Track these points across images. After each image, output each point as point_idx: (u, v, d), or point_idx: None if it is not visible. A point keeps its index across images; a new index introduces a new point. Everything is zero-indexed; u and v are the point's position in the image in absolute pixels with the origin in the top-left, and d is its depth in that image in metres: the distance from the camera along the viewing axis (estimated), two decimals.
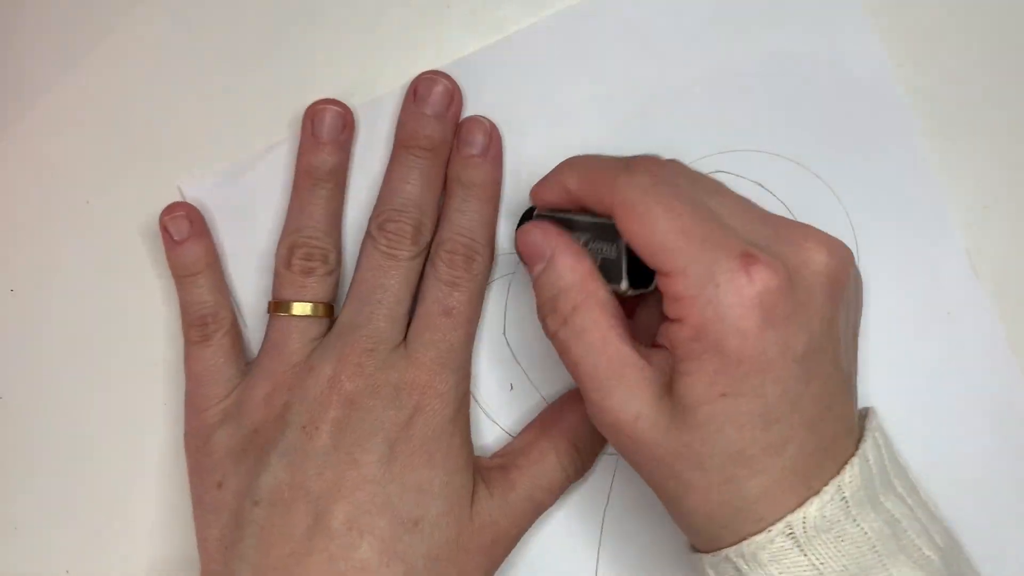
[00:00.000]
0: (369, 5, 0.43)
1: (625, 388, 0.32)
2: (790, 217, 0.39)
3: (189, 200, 0.42)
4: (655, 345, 0.33)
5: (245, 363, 0.41)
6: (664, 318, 0.32)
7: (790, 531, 0.31)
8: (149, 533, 0.44)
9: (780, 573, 0.31)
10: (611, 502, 0.42)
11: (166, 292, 0.43)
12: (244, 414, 0.39)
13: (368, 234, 0.40)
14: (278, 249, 0.40)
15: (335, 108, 0.41)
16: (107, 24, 0.43)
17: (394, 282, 0.39)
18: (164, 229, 0.41)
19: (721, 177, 0.41)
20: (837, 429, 0.33)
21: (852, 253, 0.33)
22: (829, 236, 0.33)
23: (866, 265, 0.40)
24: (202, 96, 0.43)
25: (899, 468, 0.35)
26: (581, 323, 0.33)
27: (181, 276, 0.41)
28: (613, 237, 0.34)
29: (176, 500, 0.43)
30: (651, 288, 0.35)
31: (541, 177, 0.37)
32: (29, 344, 0.44)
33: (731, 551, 0.32)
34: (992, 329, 0.41)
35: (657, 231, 0.31)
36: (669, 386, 0.32)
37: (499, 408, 0.43)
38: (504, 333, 0.43)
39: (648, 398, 0.32)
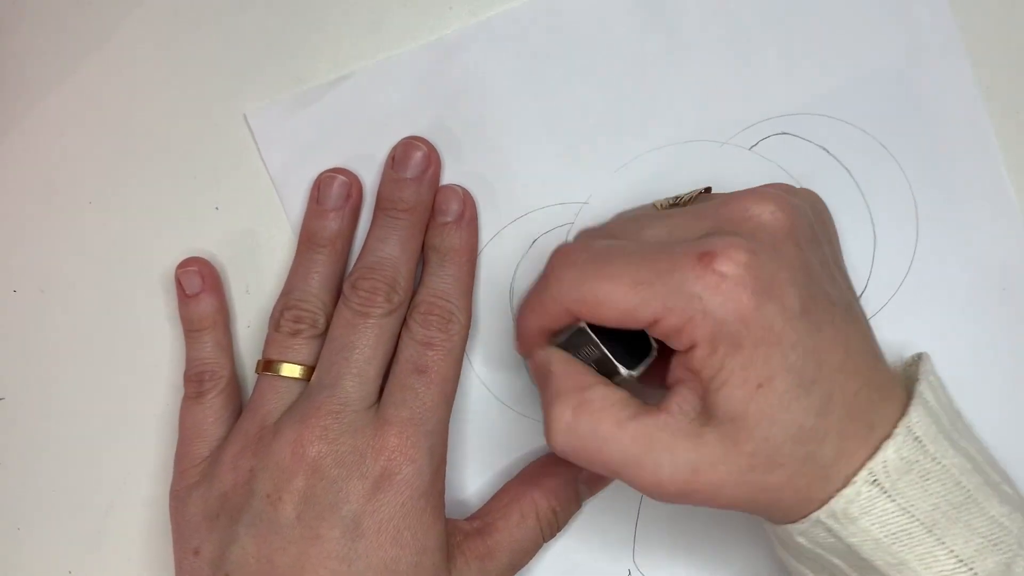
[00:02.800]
0: (372, 6, 0.43)
1: (666, 452, 0.32)
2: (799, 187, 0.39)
3: (253, 127, 0.43)
4: (670, 386, 0.34)
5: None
6: (669, 360, 0.33)
7: (873, 478, 0.31)
8: (151, 534, 0.43)
9: (872, 524, 0.31)
10: None
11: (169, 292, 0.43)
12: (215, 476, 0.39)
13: (342, 294, 0.40)
14: (272, 311, 0.41)
15: (342, 178, 0.41)
16: (109, 24, 0.43)
17: (364, 340, 0.39)
18: (177, 282, 0.42)
19: (787, 139, 0.42)
20: (868, 360, 0.33)
21: (792, 188, 0.35)
22: (763, 189, 0.34)
23: (924, 236, 0.42)
24: (204, 98, 0.43)
25: (957, 411, 0.36)
26: (586, 424, 0.33)
27: (188, 330, 0.42)
28: (586, 339, 0.35)
29: None
30: (654, 354, 0.35)
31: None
32: (32, 345, 0.44)
33: (820, 513, 0.32)
34: None
35: (616, 302, 0.32)
36: (704, 418, 0.32)
37: (503, 387, 0.43)
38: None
39: (692, 445, 0.32)
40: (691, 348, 0.31)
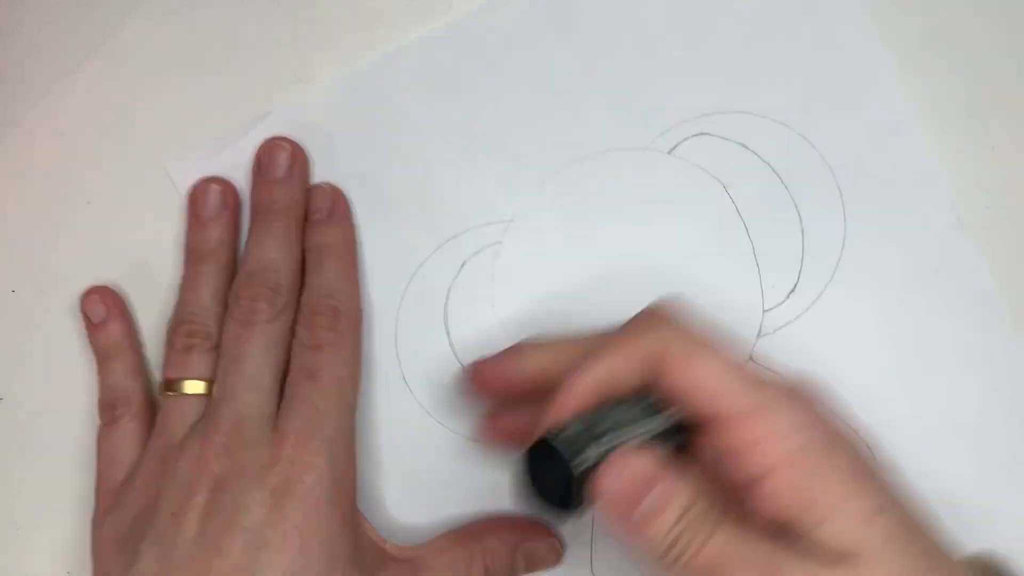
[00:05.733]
0: (370, 5, 0.43)
1: None
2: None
3: (174, 176, 0.43)
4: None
5: None
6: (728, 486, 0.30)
7: None
8: None
9: None
10: None
11: (166, 292, 0.43)
12: (127, 501, 0.38)
13: (227, 307, 0.39)
14: (166, 331, 0.40)
15: (215, 186, 0.41)
16: (108, 25, 0.43)
17: (252, 350, 0.38)
18: (82, 312, 0.42)
19: (705, 139, 0.42)
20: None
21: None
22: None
23: (852, 223, 0.41)
24: (204, 97, 0.43)
25: None
26: (725, 548, 0.28)
27: (98, 359, 0.42)
28: (648, 412, 0.31)
29: None
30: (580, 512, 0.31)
31: (554, 402, 0.33)
32: (32, 345, 0.43)
33: None
34: (982, 285, 0.41)
35: (730, 384, 0.30)
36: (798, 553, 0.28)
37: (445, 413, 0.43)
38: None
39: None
40: (771, 472, 0.29)
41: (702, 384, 0.30)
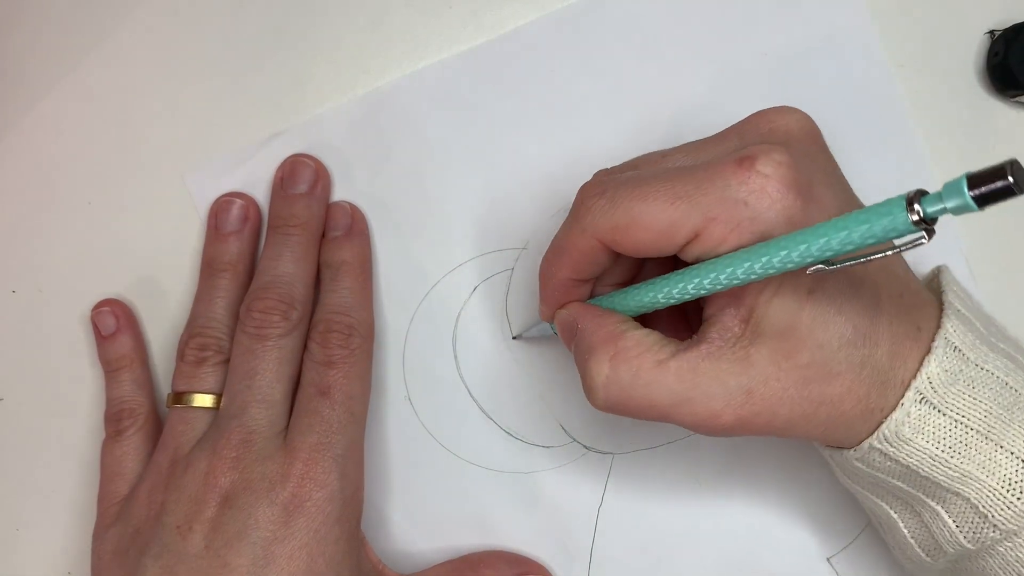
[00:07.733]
0: (371, 4, 0.43)
1: (714, 381, 0.30)
2: None
3: (191, 190, 0.43)
4: (706, 319, 0.31)
5: None
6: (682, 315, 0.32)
7: (920, 396, 0.30)
8: None
9: (927, 442, 0.30)
10: (605, 502, 0.42)
11: (167, 291, 0.43)
12: (130, 513, 0.38)
13: (239, 319, 0.39)
14: (179, 343, 0.40)
15: (239, 201, 0.41)
16: (108, 24, 0.43)
17: (264, 364, 0.38)
18: (92, 324, 0.42)
19: None
20: (902, 264, 0.32)
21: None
22: (781, 106, 0.32)
23: None
24: (204, 96, 0.43)
25: (988, 316, 0.34)
26: (626, 372, 0.31)
27: (107, 371, 0.42)
28: None
29: None
30: None
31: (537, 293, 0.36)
32: (31, 345, 0.44)
33: (872, 440, 0.31)
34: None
35: (654, 219, 0.30)
36: (748, 340, 0.30)
37: (450, 438, 0.43)
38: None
39: (741, 368, 0.29)
40: None
41: (647, 240, 0.30)
